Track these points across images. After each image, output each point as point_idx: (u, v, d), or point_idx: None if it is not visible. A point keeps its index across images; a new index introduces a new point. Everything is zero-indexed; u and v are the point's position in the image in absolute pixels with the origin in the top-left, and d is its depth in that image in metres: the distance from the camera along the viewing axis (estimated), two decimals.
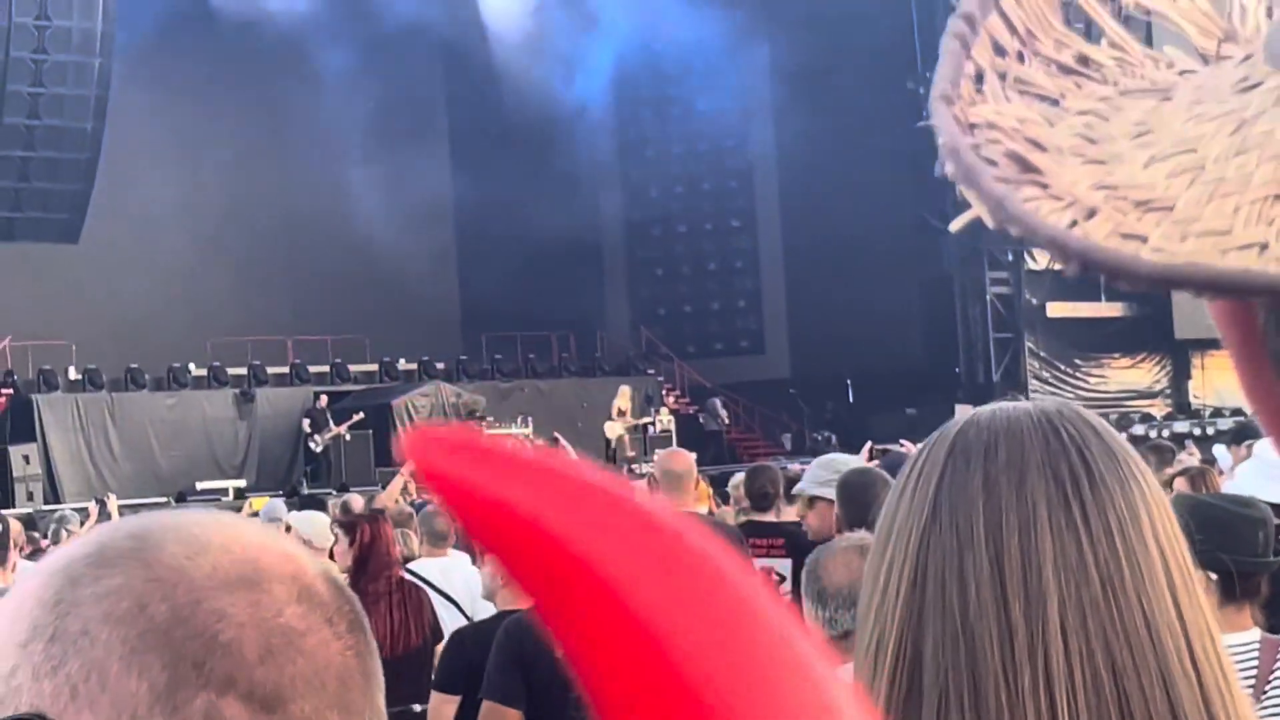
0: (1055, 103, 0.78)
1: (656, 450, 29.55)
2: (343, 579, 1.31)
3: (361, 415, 31.15)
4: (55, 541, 15.34)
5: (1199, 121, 0.73)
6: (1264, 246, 0.65)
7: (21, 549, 11.64)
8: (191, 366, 34.15)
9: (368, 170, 36.98)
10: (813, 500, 7.71)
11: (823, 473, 7.63)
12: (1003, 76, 0.79)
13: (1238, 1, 0.81)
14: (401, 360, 36.10)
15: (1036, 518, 1.52)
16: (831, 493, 7.07)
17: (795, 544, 8.53)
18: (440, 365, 36.16)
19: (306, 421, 31.89)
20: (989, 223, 0.73)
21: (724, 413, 35.67)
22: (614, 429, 32.38)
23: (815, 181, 37.74)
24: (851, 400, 36.64)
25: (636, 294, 42.65)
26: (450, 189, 40.96)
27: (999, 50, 0.80)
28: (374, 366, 35.92)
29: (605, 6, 37.41)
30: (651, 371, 38.19)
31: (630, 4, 37.28)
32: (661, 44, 38.47)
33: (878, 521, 1.64)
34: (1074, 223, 0.69)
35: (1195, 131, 0.73)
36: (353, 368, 35.86)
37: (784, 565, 8.85)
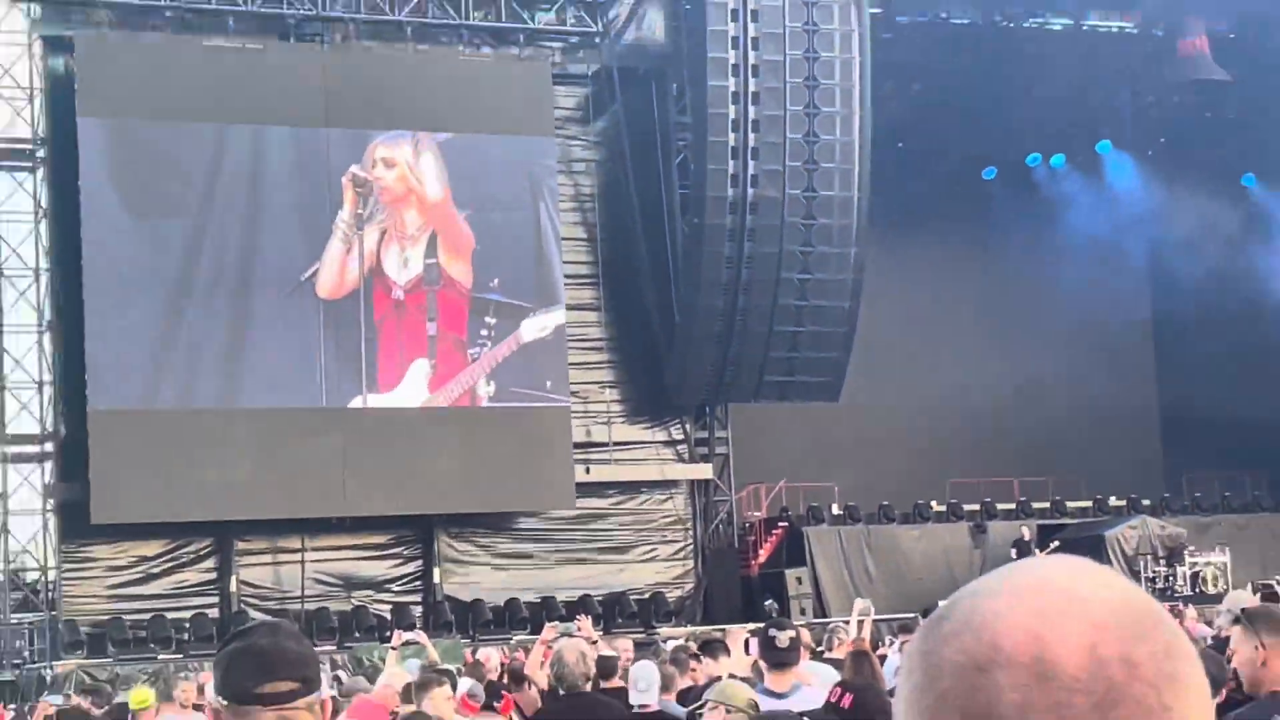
0: None
1: None
2: None
3: (1058, 544, 31.30)
4: (828, 645, 15.96)
5: None
6: None
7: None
8: (933, 503, 35.22)
9: (1077, 336, 38.93)
10: None
11: None
12: None
13: None
14: (1112, 498, 36.38)
15: None
16: None
17: None
18: (1146, 502, 36.25)
19: (1014, 550, 32.26)
20: None
21: None
22: None
23: None
24: None
25: None
26: (1154, 355, 42.32)
27: None
28: (1088, 503, 36.32)
29: None
30: None
31: None
32: None
33: None
34: None
35: None
36: (1069, 504, 36.29)
37: None
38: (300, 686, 3.51)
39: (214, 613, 29.51)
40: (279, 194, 30.15)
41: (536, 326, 31.66)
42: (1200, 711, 1.15)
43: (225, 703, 3.52)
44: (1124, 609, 1.17)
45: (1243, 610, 6.82)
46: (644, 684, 10.33)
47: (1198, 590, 31.59)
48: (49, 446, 30.29)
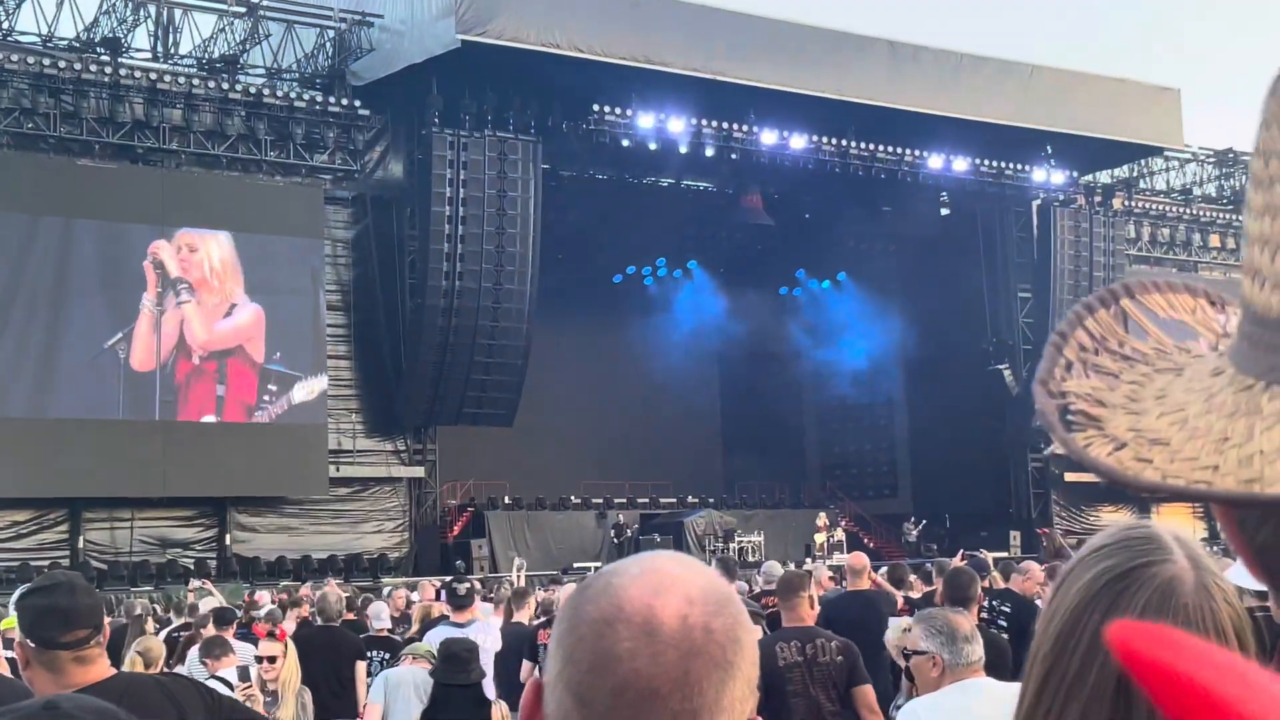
0: (1115, 377, 0.77)
1: (836, 553, 31.07)
2: None
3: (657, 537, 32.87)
4: (497, 594, 15.71)
5: (1189, 391, 0.73)
6: (1215, 468, 0.65)
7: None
8: (572, 497, 36.14)
9: (670, 392, 39.80)
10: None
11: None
12: (1084, 364, 0.78)
13: (1228, 312, 0.82)
14: (690, 496, 38.07)
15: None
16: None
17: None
18: (711, 500, 38.18)
19: (612, 531, 34.23)
20: (1063, 451, 0.75)
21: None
22: (819, 537, 34.55)
23: (931, 410, 39.81)
24: (949, 525, 37.33)
25: (827, 462, 44.21)
26: (719, 407, 44.59)
27: (1083, 349, 0.79)
28: (674, 499, 37.85)
29: None
30: (834, 507, 39.24)
31: None
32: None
33: (1051, 614, 1.46)
34: (1110, 451, 0.70)
35: (1186, 398, 0.73)
36: (662, 499, 37.69)
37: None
38: (92, 632, 3.42)
39: (66, 562, 28.88)
40: (90, 275, 29.46)
41: (304, 390, 31.66)
42: (750, 663, 1.18)
43: (34, 646, 3.38)
44: (709, 591, 1.19)
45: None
46: (376, 616, 10.89)
47: (743, 560, 30.84)
48: None
